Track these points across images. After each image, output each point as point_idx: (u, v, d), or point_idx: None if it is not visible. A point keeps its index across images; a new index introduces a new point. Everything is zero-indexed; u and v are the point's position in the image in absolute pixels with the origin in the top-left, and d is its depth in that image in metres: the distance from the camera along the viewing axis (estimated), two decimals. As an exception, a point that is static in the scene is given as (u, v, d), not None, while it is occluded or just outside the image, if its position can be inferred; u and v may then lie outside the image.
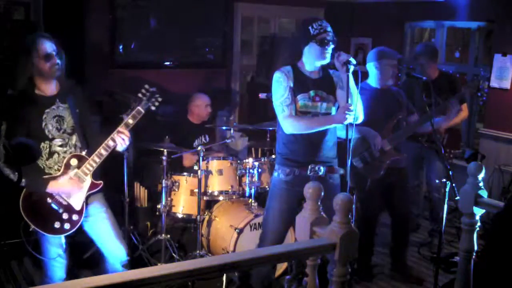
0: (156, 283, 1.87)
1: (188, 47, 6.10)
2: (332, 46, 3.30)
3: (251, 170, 4.37)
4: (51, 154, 3.09)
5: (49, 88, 3.12)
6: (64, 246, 3.19)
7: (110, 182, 5.45)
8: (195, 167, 4.22)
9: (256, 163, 4.39)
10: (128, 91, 4.60)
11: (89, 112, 3.30)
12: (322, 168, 3.39)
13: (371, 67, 4.02)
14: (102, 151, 3.09)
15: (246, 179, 4.39)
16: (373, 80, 4.04)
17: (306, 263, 2.35)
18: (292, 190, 3.40)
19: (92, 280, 1.80)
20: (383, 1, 6.47)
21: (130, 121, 3.14)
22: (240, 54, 6.65)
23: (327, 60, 3.33)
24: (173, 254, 4.22)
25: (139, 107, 3.17)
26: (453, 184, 3.36)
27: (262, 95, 5.94)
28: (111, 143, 3.09)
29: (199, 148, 4.10)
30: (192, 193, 4.31)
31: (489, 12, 5.51)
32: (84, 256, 4.40)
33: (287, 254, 2.34)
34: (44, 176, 3.06)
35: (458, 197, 3.00)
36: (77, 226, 3.12)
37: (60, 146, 3.10)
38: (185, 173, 4.35)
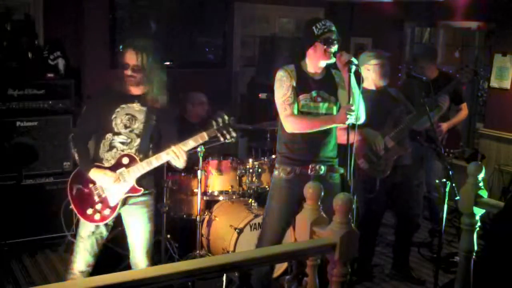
0: (156, 283, 1.87)
1: (188, 47, 6.10)
2: (336, 45, 3.30)
3: (251, 170, 4.37)
4: (111, 147, 3.18)
5: (134, 88, 3.20)
6: (104, 235, 3.28)
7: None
8: (195, 167, 4.22)
9: (256, 163, 4.39)
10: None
11: (171, 124, 3.32)
12: (323, 167, 3.39)
13: (363, 71, 4.05)
14: (153, 160, 3.14)
15: (246, 179, 4.39)
16: (367, 83, 4.07)
17: (306, 263, 2.35)
18: (292, 189, 3.39)
19: (92, 280, 1.80)
20: (383, 1, 6.46)
21: (191, 142, 3.14)
22: (240, 54, 6.65)
23: (332, 60, 3.32)
24: (173, 254, 4.21)
25: (204, 133, 3.14)
26: (453, 184, 3.36)
27: (262, 95, 5.95)
28: (164, 156, 3.11)
29: (198, 149, 4.09)
30: (192, 193, 4.31)
31: (489, 12, 5.51)
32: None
33: (287, 254, 2.34)
34: (95, 163, 3.17)
35: (458, 197, 3.00)
36: (106, 220, 3.18)
37: (122, 143, 3.17)
38: (185, 173, 4.35)
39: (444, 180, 3.37)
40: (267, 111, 5.83)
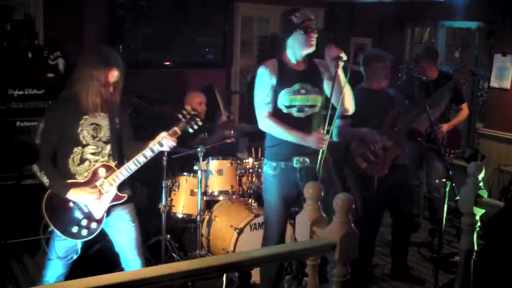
0: (156, 283, 1.87)
1: (188, 47, 6.10)
2: (316, 34, 3.32)
3: (251, 170, 4.37)
4: (82, 160, 3.08)
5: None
6: (79, 251, 3.20)
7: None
8: (195, 167, 4.22)
9: (256, 163, 4.39)
10: (127, 91, 4.61)
11: (128, 122, 3.28)
12: (307, 160, 3.39)
13: (364, 71, 4.07)
14: (132, 165, 3.10)
15: (246, 179, 4.39)
16: (366, 82, 4.08)
17: (306, 263, 2.35)
18: (280, 184, 3.44)
19: (92, 280, 1.80)
20: (383, 1, 6.46)
21: (164, 136, 3.13)
22: (240, 54, 6.65)
23: (312, 48, 3.33)
24: (173, 254, 4.21)
25: (176, 128, 3.15)
26: (453, 184, 3.36)
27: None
28: (141, 158, 3.10)
29: (199, 149, 4.10)
30: (192, 193, 4.31)
31: (489, 12, 5.50)
32: (84, 256, 4.40)
33: (287, 254, 2.34)
34: (69, 180, 3.06)
35: (458, 197, 3.00)
36: (94, 234, 3.12)
37: (93, 154, 3.09)
38: (185, 173, 4.35)
39: (444, 180, 3.38)
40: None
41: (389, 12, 6.43)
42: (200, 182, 4.09)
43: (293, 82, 3.36)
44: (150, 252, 4.42)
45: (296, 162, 3.39)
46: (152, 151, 3.11)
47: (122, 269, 3.37)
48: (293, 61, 3.40)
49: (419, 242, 4.94)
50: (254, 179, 4.38)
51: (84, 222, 3.09)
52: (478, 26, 5.89)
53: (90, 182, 3.08)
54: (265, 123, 3.38)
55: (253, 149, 5.51)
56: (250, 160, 4.41)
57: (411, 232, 4.60)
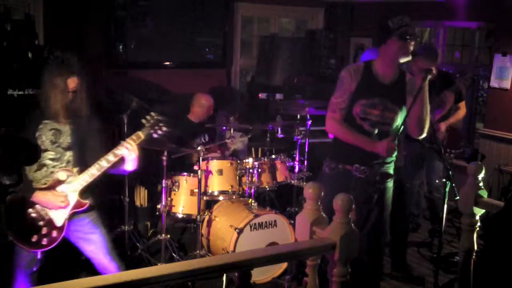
0: (156, 283, 1.87)
1: (188, 47, 6.10)
2: (413, 42, 3.06)
3: (251, 170, 4.37)
4: (40, 166, 2.97)
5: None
6: (38, 263, 3.03)
7: (110, 182, 5.46)
8: (195, 167, 4.22)
9: (256, 163, 4.38)
10: (127, 91, 4.61)
11: (96, 132, 3.14)
12: (367, 170, 3.19)
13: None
14: (94, 170, 2.98)
15: (246, 179, 4.39)
16: None
17: (306, 263, 2.34)
18: (335, 185, 3.09)
19: (92, 280, 1.80)
20: (383, 1, 6.46)
21: (130, 143, 3.04)
22: (240, 54, 6.65)
23: (408, 58, 3.08)
24: (173, 254, 4.21)
25: (139, 132, 3.08)
26: (453, 184, 3.36)
27: (262, 95, 5.95)
28: (104, 163, 2.97)
29: (199, 148, 4.09)
30: (192, 193, 4.31)
31: (489, 12, 5.51)
32: (83, 256, 4.40)
33: (287, 254, 2.34)
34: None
35: (458, 197, 3.00)
36: (55, 243, 2.97)
37: (51, 159, 2.99)
38: (185, 173, 4.35)
39: (444, 180, 3.37)
40: (267, 111, 5.84)
41: (389, 12, 6.42)
42: (200, 182, 4.08)
43: (373, 95, 3.12)
44: (150, 252, 4.43)
45: (355, 169, 3.18)
46: (115, 155, 2.99)
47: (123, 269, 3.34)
48: (382, 70, 3.14)
49: (419, 242, 4.94)
50: (254, 179, 4.38)
51: (45, 230, 2.94)
52: (478, 26, 5.89)
53: (51, 188, 2.96)
54: (333, 126, 3.20)
55: (253, 149, 5.52)
56: (250, 160, 4.41)
57: (410, 232, 4.58)
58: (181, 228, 4.94)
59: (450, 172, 3.38)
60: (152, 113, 3.14)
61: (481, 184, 2.87)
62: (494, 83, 5.46)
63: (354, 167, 3.17)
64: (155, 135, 3.13)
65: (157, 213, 4.31)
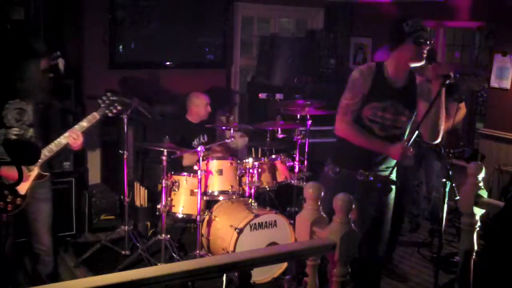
0: (156, 283, 1.87)
1: (188, 47, 6.10)
2: (428, 46, 2.99)
3: (251, 170, 4.37)
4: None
5: None
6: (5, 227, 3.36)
7: (111, 182, 5.46)
8: (195, 167, 4.22)
9: (256, 163, 4.38)
10: (128, 91, 4.61)
11: (57, 109, 3.49)
12: (371, 177, 3.14)
13: None
14: (53, 146, 3.28)
15: (246, 179, 4.39)
16: None
17: (306, 263, 2.35)
18: (340, 189, 3.19)
19: (92, 280, 1.81)
20: (383, 1, 6.46)
21: (84, 124, 3.34)
22: (240, 54, 6.65)
23: (421, 62, 3.02)
24: (173, 254, 4.21)
25: (95, 113, 3.36)
26: (453, 184, 3.36)
27: (262, 95, 5.95)
28: (63, 141, 3.29)
29: (199, 148, 4.09)
30: (192, 193, 4.30)
31: (489, 12, 5.50)
32: (84, 256, 4.40)
33: (287, 254, 2.34)
34: None
35: (458, 197, 3.00)
36: (19, 209, 3.30)
37: (16, 135, 3.26)
38: (185, 173, 4.35)
39: (444, 180, 3.37)
40: (267, 111, 5.84)
41: (389, 12, 6.42)
42: (200, 182, 4.08)
43: (386, 98, 3.06)
44: (150, 252, 4.43)
45: (359, 174, 3.14)
46: (72, 132, 3.30)
47: (123, 269, 3.36)
48: (393, 73, 3.08)
49: (419, 242, 4.94)
50: (254, 179, 4.38)
51: (10, 198, 3.27)
52: (478, 26, 5.89)
53: None
54: (342, 128, 3.12)
55: (253, 149, 5.52)
56: (250, 160, 4.41)
57: (411, 232, 4.56)
58: (181, 228, 4.94)
59: (450, 172, 3.38)
60: (108, 93, 3.41)
61: (481, 184, 2.87)
62: (494, 83, 5.46)
63: (359, 173, 3.14)
64: (110, 115, 3.42)
65: (157, 213, 4.31)
